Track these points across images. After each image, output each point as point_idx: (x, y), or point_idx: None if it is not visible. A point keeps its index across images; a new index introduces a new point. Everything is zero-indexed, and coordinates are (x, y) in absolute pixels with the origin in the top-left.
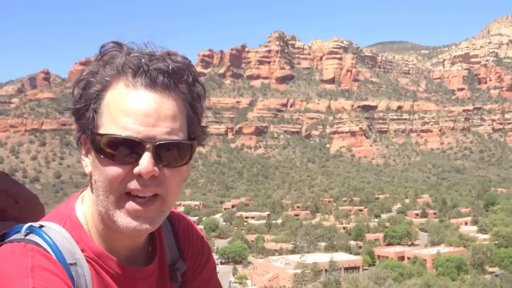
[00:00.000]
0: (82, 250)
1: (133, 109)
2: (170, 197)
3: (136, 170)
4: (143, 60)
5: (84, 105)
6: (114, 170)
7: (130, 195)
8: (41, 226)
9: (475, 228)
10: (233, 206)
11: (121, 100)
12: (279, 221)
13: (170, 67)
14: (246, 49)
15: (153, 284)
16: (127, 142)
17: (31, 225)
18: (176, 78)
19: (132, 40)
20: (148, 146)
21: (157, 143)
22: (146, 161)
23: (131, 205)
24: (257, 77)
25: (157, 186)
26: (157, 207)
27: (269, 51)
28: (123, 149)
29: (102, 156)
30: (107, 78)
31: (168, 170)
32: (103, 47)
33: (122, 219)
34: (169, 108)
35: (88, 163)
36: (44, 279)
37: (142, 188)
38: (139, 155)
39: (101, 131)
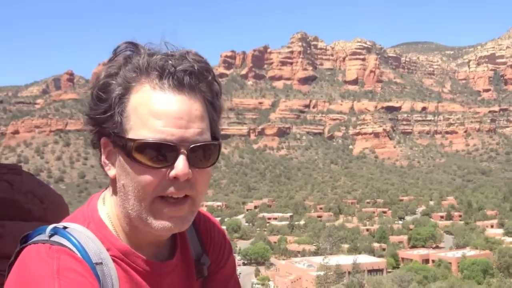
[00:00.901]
0: (108, 249)
1: (164, 111)
2: (199, 197)
3: (173, 173)
4: (169, 61)
5: (108, 109)
6: (148, 176)
7: (162, 197)
8: (65, 228)
9: (501, 231)
10: (255, 207)
11: (150, 103)
12: (302, 222)
13: (196, 68)
14: (269, 50)
15: (179, 279)
16: (161, 146)
17: (55, 227)
18: (200, 78)
19: (151, 39)
20: (182, 149)
21: (191, 146)
22: (181, 165)
23: (164, 206)
24: (280, 78)
25: (190, 188)
26: (189, 206)
27: (292, 52)
28: (157, 153)
29: (134, 161)
30: (130, 81)
31: (199, 171)
32: (117, 48)
33: (156, 221)
34: (197, 109)
35: (111, 166)
36: (70, 281)
37: (177, 191)
38: (174, 159)
39: (131, 135)
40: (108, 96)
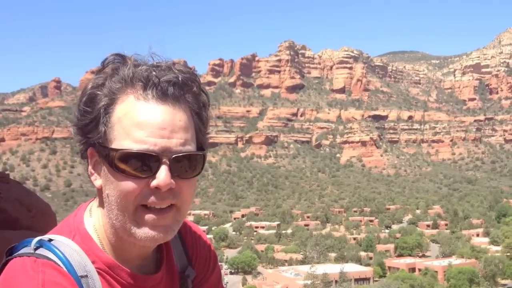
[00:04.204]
0: (93, 262)
1: (147, 122)
2: (184, 207)
3: (154, 183)
4: (153, 72)
5: (93, 120)
6: (130, 185)
7: (146, 207)
8: (50, 240)
9: (487, 239)
10: (242, 216)
11: (133, 113)
12: (289, 231)
13: (180, 78)
14: (256, 58)
15: None
16: (143, 156)
17: (40, 239)
18: (185, 89)
19: (139, 49)
20: (164, 159)
21: (173, 156)
22: (163, 175)
23: (148, 216)
24: (267, 86)
25: (173, 198)
26: (173, 215)
27: (279, 61)
28: (139, 163)
29: (117, 171)
30: (115, 91)
31: (183, 181)
32: (105, 59)
33: (140, 230)
34: (181, 120)
35: (97, 176)
36: None
37: (159, 201)
38: (156, 168)
39: (114, 145)
40: (94, 106)
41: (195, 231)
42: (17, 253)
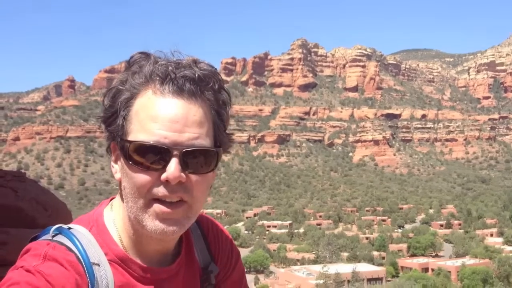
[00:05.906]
0: (105, 254)
1: (160, 115)
2: (197, 204)
3: (164, 176)
4: (170, 68)
5: (114, 113)
6: (142, 177)
7: (157, 200)
8: (69, 228)
9: (501, 239)
10: (255, 215)
11: (149, 106)
12: (301, 230)
13: (197, 75)
14: (269, 57)
15: (181, 286)
16: (155, 149)
17: (60, 226)
18: (202, 85)
19: (157, 48)
20: (175, 152)
21: (184, 150)
22: (173, 168)
23: (158, 207)
24: (280, 85)
25: (184, 192)
26: (184, 211)
27: (292, 59)
28: (151, 156)
29: (130, 163)
30: (136, 86)
31: (195, 176)
32: (132, 57)
33: (150, 222)
34: (196, 114)
35: (117, 169)
36: (50, 267)
37: (170, 194)
38: (167, 161)
39: (130, 137)
40: (116, 101)
41: (217, 227)
42: (37, 240)
